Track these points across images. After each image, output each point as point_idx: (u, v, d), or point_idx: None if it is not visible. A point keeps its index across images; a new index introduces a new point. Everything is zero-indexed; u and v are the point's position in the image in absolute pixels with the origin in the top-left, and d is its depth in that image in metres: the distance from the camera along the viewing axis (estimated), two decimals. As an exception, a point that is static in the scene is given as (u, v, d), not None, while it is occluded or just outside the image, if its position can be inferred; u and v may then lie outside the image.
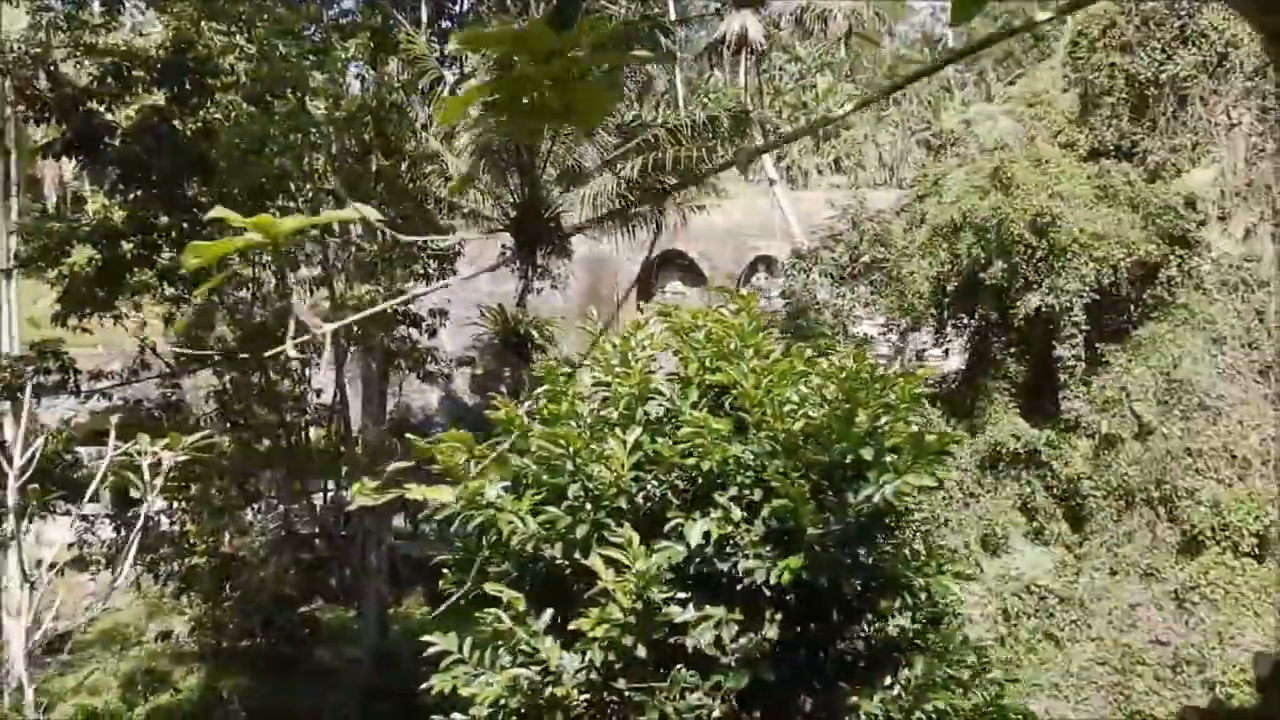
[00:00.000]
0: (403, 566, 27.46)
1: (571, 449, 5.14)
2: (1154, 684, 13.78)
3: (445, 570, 6.45)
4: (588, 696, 4.87)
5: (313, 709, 21.01)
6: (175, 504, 19.24)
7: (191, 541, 19.39)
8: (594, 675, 4.79)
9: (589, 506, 5.24)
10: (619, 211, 18.25)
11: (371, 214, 1.94)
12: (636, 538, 4.97)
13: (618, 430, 5.41)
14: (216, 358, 18.06)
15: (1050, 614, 15.14)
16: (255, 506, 23.22)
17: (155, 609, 25.64)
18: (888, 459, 4.96)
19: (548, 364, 6.43)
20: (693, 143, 18.92)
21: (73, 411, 21.34)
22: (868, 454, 4.86)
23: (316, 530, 24.02)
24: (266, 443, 19.27)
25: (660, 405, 5.51)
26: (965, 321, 18.76)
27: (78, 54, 17.75)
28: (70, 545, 18.56)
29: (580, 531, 5.09)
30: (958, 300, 17.67)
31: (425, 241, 19.69)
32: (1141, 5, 17.27)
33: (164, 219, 15.81)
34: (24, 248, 16.84)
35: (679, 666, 4.93)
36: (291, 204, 17.82)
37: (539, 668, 4.92)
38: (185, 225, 16.09)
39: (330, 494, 28.40)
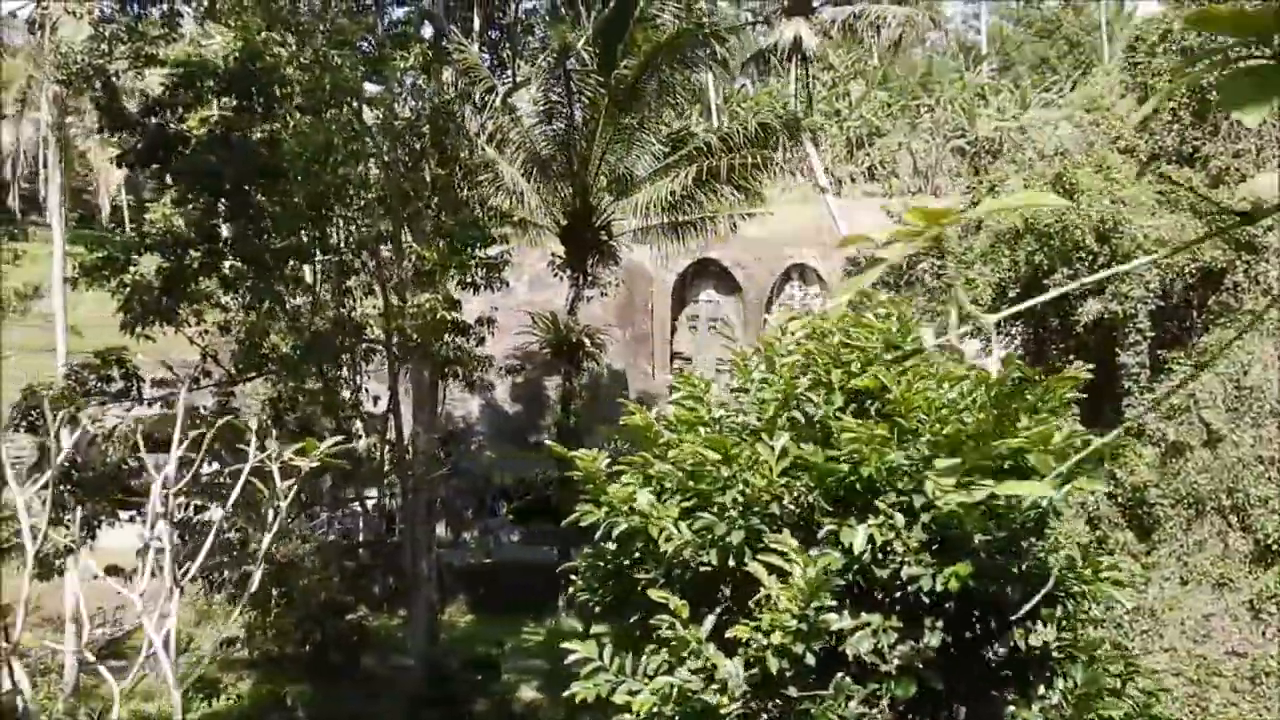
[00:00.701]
0: (446, 574, 27.53)
1: (729, 454, 5.10)
2: (1231, 695, 13.57)
3: (573, 577, 6.44)
4: (748, 705, 4.83)
5: (363, 716, 21.05)
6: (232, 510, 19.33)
7: (250, 548, 19.47)
8: (760, 683, 4.75)
9: (743, 513, 5.21)
10: (679, 220, 18.23)
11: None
12: (795, 544, 4.94)
13: (764, 436, 5.38)
14: (274, 365, 18.16)
15: (1118, 624, 14.94)
16: (306, 514, 23.31)
17: (204, 615, 25.79)
18: (1051, 464, 4.90)
19: (684, 373, 6.42)
20: (748, 150, 18.88)
21: (118, 419, 21.51)
22: (1033, 459, 4.81)
23: (365, 538, 24.09)
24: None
25: (806, 411, 5.47)
26: (1020, 328, 18.60)
27: (138, 65, 17.98)
28: (137, 552, 18.72)
29: (735, 538, 5.05)
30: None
31: (476, 250, 19.79)
32: (1203, 8, 17.11)
33: (225, 228, 15.96)
34: (88, 257, 17.03)
35: (840, 674, 4.89)
36: (347, 212, 17.96)
37: (701, 675, 4.88)
38: (249, 233, 16.24)
39: (372, 501, 28.54)
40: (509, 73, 21.78)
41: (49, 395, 17.01)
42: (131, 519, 17.75)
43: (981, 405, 5.17)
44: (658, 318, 42.64)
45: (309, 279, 17.68)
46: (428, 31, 22.18)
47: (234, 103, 15.36)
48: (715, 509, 5.26)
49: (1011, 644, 5.38)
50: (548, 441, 32.61)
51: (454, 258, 18.57)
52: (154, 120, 14.89)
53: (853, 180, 45.71)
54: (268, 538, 6.29)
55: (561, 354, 21.63)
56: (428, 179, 18.42)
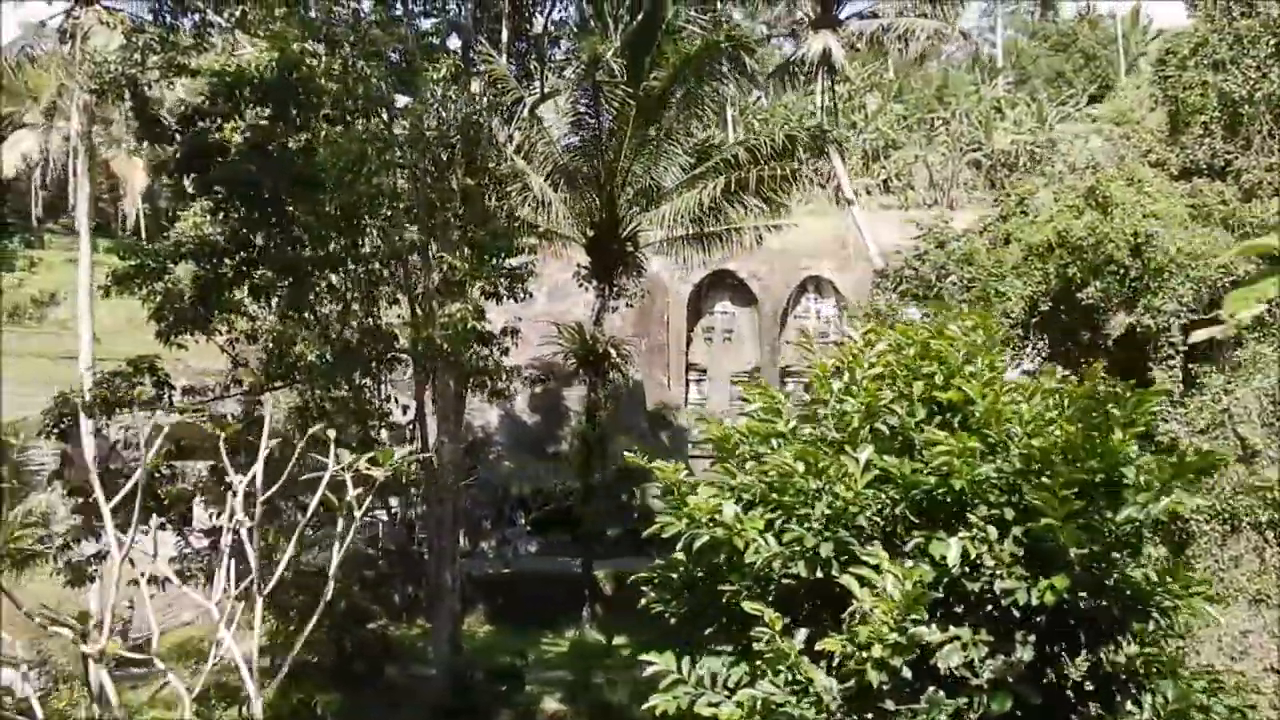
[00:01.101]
0: (465, 584, 27.47)
1: (819, 467, 5.09)
2: (1271, 714, 13.47)
3: (645, 588, 6.42)
4: (843, 719, 4.81)
5: (387, 726, 20.99)
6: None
7: (275, 556, 19.44)
8: (853, 696, 4.72)
9: (827, 524, 5.19)
10: (707, 230, 18.23)
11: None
12: (887, 557, 4.92)
13: (847, 448, 5.37)
14: (303, 374, 18.18)
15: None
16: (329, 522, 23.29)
17: (228, 621, 25.75)
18: (1143, 478, 4.89)
19: (755, 383, 6.42)
20: (776, 162, 18.90)
21: (136, 426, 21.55)
22: (1129, 472, 4.79)
23: (392, 546, 24.04)
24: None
25: (888, 423, 5.46)
26: (1048, 342, 18.56)
27: (170, 75, 18.09)
28: (171, 559, 18.72)
29: (825, 550, 5.03)
30: (1048, 320, 17.49)
31: (501, 260, 19.83)
32: (1235, 23, 17.13)
33: (259, 237, 16.01)
34: (121, 265, 17.09)
35: (932, 688, 4.86)
36: (377, 222, 18.00)
37: (793, 687, 4.86)
38: (281, 242, 16.28)
39: (394, 511, 28.52)
40: (535, 84, 21.86)
41: (81, 402, 17.09)
42: (162, 526, 17.74)
43: (1069, 418, 5.15)
44: (673, 329, 42.66)
45: (339, 288, 17.71)
46: (453, 42, 22.33)
47: (270, 112, 15.42)
48: (798, 520, 5.25)
49: (1095, 659, 5.36)
50: (565, 451, 32.43)
51: (481, 267, 18.62)
52: (192, 129, 14.95)
53: (869, 193, 45.70)
54: (338, 550, 6.27)
55: (588, 365, 21.63)
56: (456, 189, 18.47)
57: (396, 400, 19.21)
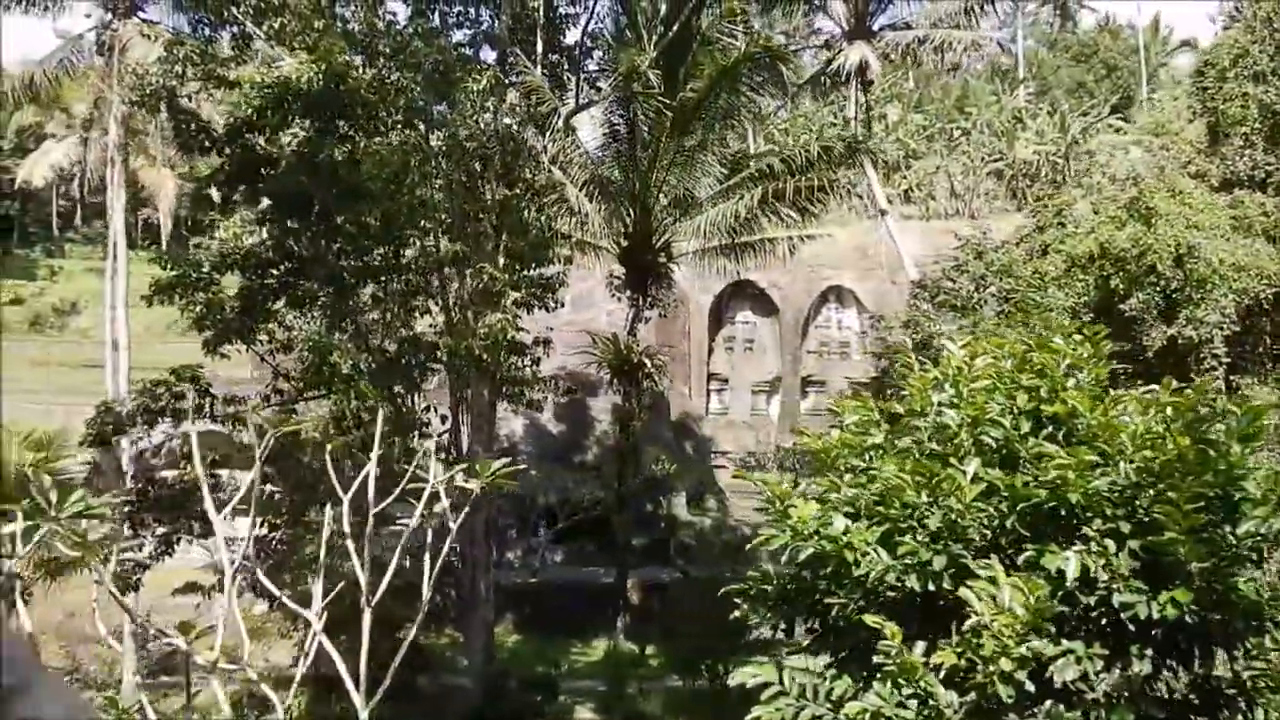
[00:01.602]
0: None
1: (933, 480, 5.10)
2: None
3: (736, 600, 6.43)
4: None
5: (425, 736, 20.94)
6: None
7: (313, 567, 19.48)
8: (975, 710, 4.72)
9: (934, 536, 5.20)
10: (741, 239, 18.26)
11: None
12: (1003, 570, 4.93)
13: (953, 461, 5.38)
14: (341, 383, 18.24)
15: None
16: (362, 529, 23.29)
17: (257, 631, 25.82)
18: (1262, 492, 4.89)
19: (848, 397, 6.44)
20: (812, 172, 18.94)
21: (164, 435, 21.63)
22: (1250, 485, 4.79)
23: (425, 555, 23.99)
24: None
25: (993, 436, 5.47)
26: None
27: (210, 86, 18.23)
28: (202, 568, 18.80)
29: (939, 563, 5.04)
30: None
31: (535, 270, 19.90)
32: (1276, 34, 17.13)
33: (303, 247, 16.10)
34: (164, 275, 17.19)
35: (1049, 701, 4.86)
36: (417, 232, 18.09)
37: (912, 700, 4.86)
38: (325, 253, 16.38)
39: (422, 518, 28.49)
40: (569, 95, 21.95)
41: (124, 412, 17.19)
42: (203, 535, 17.81)
43: (1179, 431, 5.15)
44: (695, 339, 42.70)
45: (379, 298, 17.81)
46: (486, 53, 22.45)
47: (316, 124, 15.52)
48: (906, 533, 5.26)
49: (1204, 673, 5.35)
50: (591, 461, 32.37)
51: (519, 278, 18.70)
52: (240, 141, 15.07)
53: (889, 202, 45.71)
54: (432, 563, 6.29)
55: (622, 375, 21.68)
56: (494, 199, 18.56)
57: (435, 409, 19.25)
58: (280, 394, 18.18)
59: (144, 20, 22.04)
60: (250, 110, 14.83)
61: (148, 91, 18.17)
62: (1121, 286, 16.61)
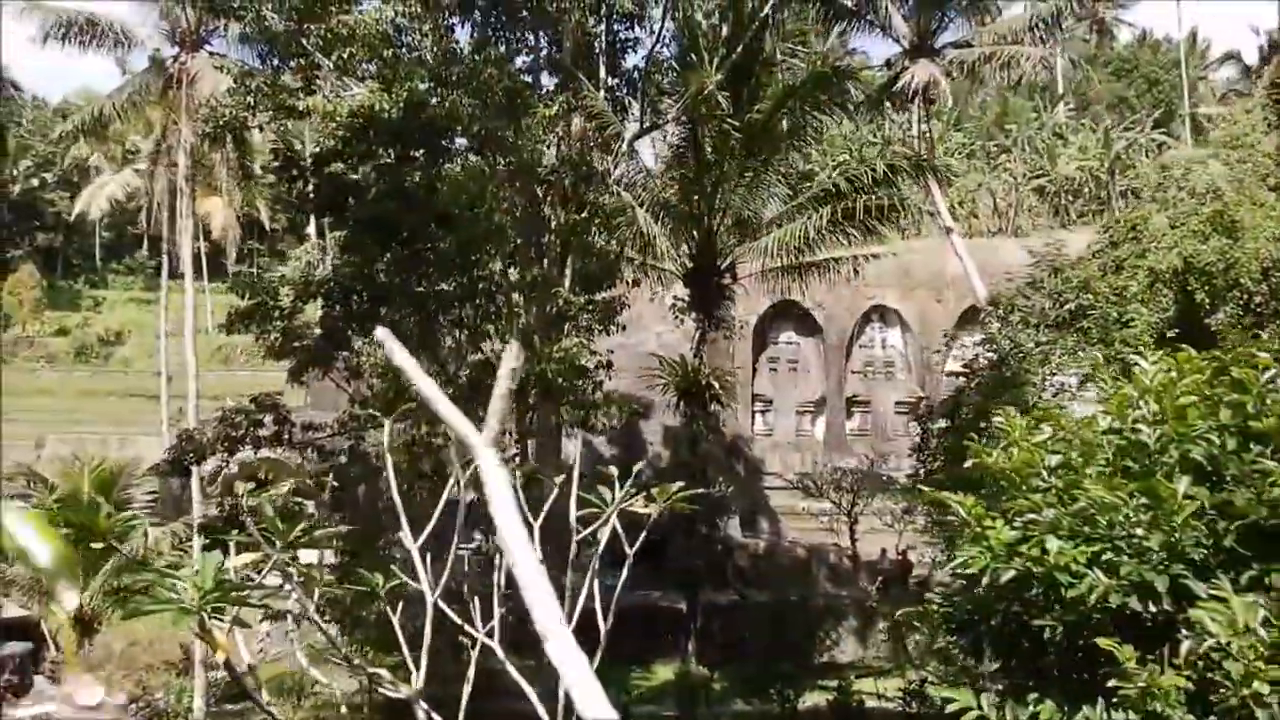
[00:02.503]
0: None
1: (1158, 498, 5.00)
2: None
3: (917, 623, 6.33)
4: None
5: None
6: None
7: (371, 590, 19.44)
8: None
9: (1143, 553, 5.09)
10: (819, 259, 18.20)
11: None
12: (1231, 591, 4.81)
13: (1159, 479, 5.28)
14: (419, 410, 18.29)
15: None
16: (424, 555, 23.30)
17: (316, 657, 25.84)
18: None
19: (1010, 412, 6.34)
20: (880, 190, 18.91)
21: (222, 463, 21.73)
22: None
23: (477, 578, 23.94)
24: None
25: (1202, 453, 5.36)
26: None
27: (279, 117, 18.46)
28: (269, 595, 18.80)
29: (1160, 584, 4.93)
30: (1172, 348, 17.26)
31: (600, 294, 19.96)
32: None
33: (386, 275, 16.21)
34: (244, 304, 17.35)
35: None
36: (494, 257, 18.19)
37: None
38: (409, 279, 16.48)
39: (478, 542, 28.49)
40: (630, 118, 22.06)
41: (206, 439, 17.32)
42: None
43: None
44: (739, 360, 42.58)
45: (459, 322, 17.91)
46: (545, 78, 22.61)
47: (398, 152, 15.67)
48: (1120, 553, 5.16)
49: None
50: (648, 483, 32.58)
51: (590, 301, 18.75)
52: (327, 170, 15.24)
53: (931, 216, 45.56)
54: (601, 586, 6.22)
55: (689, 397, 21.63)
56: (564, 223, 18.65)
57: (511, 434, 19.27)
58: (357, 420, 18.26)
59: (212, 53, 22.38)
60: (336, 141, 14.97)
61: (221, 123, 18.45)
62: (1206, 301, 16.39)
